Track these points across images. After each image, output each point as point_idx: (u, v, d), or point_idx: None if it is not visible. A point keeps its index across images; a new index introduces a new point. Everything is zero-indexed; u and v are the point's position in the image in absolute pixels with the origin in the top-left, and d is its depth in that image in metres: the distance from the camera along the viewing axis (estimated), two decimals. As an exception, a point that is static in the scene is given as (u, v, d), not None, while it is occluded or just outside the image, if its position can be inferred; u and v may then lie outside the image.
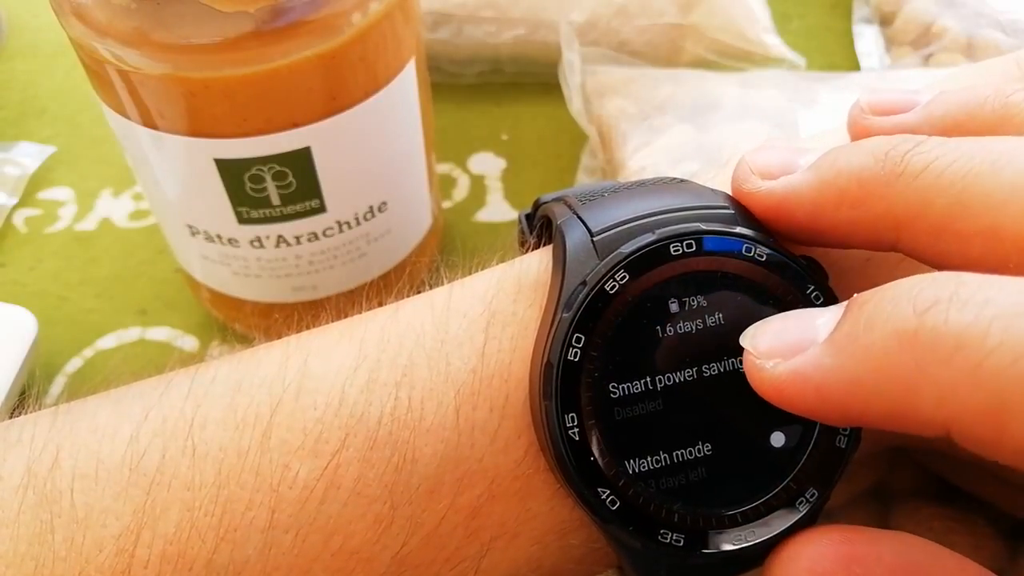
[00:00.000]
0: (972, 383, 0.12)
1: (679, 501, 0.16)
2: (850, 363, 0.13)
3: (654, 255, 0.16)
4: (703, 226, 0.17)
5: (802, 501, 0.16)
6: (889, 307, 0.13)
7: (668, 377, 0.16)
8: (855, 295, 0.14)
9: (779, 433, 0.17)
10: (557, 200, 0.19)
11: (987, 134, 0.15)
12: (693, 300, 0.16)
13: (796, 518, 0.16)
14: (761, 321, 0.15)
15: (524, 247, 0.21)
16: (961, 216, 0.14)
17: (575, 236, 0.17)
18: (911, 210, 0.15)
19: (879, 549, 0.15)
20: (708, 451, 0.16)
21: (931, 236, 0.14)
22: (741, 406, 0.16)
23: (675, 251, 0.16)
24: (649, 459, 0.16)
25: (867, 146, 0.16)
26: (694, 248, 0.16)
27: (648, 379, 0.16)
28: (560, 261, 0.17)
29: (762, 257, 0.16)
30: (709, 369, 0.16)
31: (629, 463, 0.16)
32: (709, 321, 0.16)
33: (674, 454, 0.16)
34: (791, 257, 0.17)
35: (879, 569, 0.14)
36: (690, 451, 0.16)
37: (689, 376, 0.16)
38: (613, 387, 0.16)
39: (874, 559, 0.15)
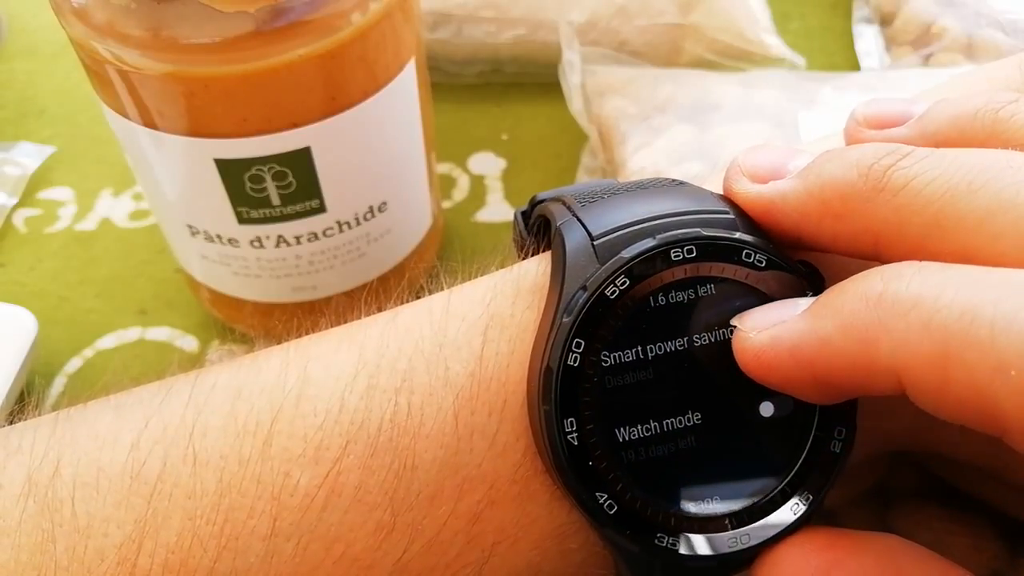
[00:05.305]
0: (922, 333, 0.13)
1: (671, 481, 0.16)
2: (820, 323, 0.14)
3: (655, 260, 0.16)
4: (704, 231, 0.17)
5: (796, 505, 0.17)
6: (860, 279, 0.14)
7: (659, 346, 0.16)
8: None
9: (768, 403, 0.17)
10: (555, 200, 0.19)
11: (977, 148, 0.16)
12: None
13: (790, 521, 0.16)
14: (753, 308, 0.16)
15: (521, 247, 0.21)
16: (935, 237, 0.15)
17: (575, 239, 0.17)
18: (889, 228, 0.15)
19: (863, 554, 0.15)
20: (698, 420, 0.17)
21: (908, 254, 0.15)
22: (731, 376, 0.16)
23: (675, 256, 0.16)
24: (639, 427, 0.16)
25: (853, 157, 0.16)
26: (695, 253, 0.16)
27: (639, 348, 0.16)
28: (559, 264, 0.17)
29: (761, 263, 0.17)
30: (700, 339, 0.16)
31: (619, 431, 0.16)
32: (701, 291, 0.17)
33: (664, 422, 0.16)
34: (790, 263, 0.17)
35: (861, 574, 0.15)
36: (680, 419, 0.16)
37: (680, 345, 0.16)
38: (605, 356, 0.16)
39: (857, 564, 0.15)
